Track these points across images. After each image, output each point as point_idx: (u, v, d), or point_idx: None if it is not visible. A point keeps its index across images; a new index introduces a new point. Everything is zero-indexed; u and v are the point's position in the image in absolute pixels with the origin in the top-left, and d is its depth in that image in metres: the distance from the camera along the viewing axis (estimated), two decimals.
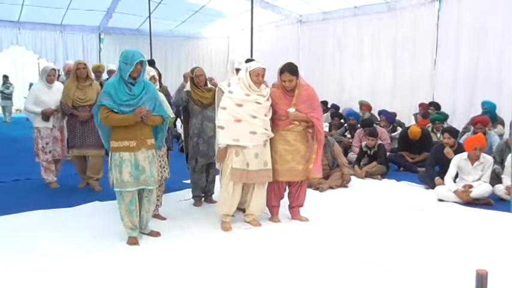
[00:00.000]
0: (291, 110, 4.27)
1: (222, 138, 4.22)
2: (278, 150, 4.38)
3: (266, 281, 3.20)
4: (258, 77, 4.24)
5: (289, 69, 4.27)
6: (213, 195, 5.32)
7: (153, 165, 3.94)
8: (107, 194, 5.57)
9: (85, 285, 3.15)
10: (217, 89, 4.80)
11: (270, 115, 4.31)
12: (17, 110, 18.35)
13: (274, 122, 4.38)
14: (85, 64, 5.86)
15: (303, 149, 4.42)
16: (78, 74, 5.70)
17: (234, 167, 4.22)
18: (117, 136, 3.81)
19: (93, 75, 6.18)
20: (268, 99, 4.30)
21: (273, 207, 4.61)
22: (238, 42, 15.72)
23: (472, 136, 6.09)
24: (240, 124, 4.18)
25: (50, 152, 5.94)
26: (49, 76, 5.96)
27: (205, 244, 3.94)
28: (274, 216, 4.61)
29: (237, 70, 4.62)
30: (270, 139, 4.35)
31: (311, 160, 4.41)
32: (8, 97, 15.75)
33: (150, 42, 11.13)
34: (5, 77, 15.79)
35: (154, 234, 4.16)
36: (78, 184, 6.04)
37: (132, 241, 3.93)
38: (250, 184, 4.39)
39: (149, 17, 11.13)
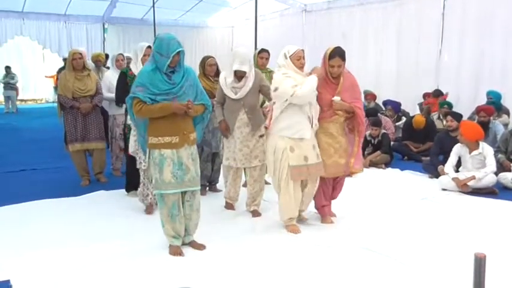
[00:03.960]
0: (337, 98, 3.92)
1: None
2: (321, 143, 4.01)
3: (269, 269, 3.23)
4: (300, 61, 3.87)
5: (340, 54, 3.88)
6: (217, 184, 5.34)
7: (196, 163, 3.51)
8: (112, 184, 5.63)
9: (91, 272, 3.19)
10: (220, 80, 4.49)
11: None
12: (22, 101, 18.44)
13: None
14: (81, 54, 5.59)
15: (344, 142, 4.08)
16: (74, 65, 5.47)
17: (291, 164, 3.82)
18: (157, 131, 3.35)
19: (91, 65, 5.99)
20: None
21: (323, 207, 4.24)
22: (243, 31, 15.66)
23: (468, 121, 6.09)
24: (298, 110, 3.83)
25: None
26: (117, 61, 5.88)
27: (208, 233, 3.89)
28: (326, 217, 4.23)
29: (236, 71, 4.19)
30: None
31: (353, 153, 4.11)
32: (12, 87, 15.81)
33: (154, 32, 11.13)
34: (8, 68, 15.83)
35: (197, 246, 3.60)
36: (81, 183, 5.69)
37: (175, 250, 3.47)
38: (304, 182, 4.02)
39: (153, 6, 11.13)
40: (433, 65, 9.78)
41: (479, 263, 1.38)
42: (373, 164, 6.75)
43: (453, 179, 5.36)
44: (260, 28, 8.43)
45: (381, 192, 5.33)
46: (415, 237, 3.86)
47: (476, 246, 3.48)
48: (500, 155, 5.92)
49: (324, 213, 4.24)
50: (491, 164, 5.33)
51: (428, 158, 6.53)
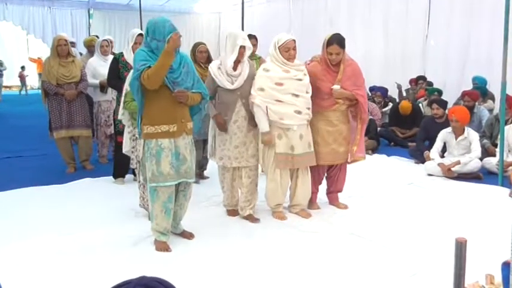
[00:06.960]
0: (336, 87, 3.90)
1: (264, 124, 3.76)
2: (320, 131, 4.00)
3: (255, 255, 3.25)
4: (289, 53, 3.77)
5: (338, 41, 3.86)
6: (205, 172, 5.33)
7: (193, 154, 3.38)
8: (98, 171, 5.60)
9: (76, 261, 3.18)
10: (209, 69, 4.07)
11: (310, 92, 3.89)
12: (6, 87, 18.15)
13: (315, 102, 3.94)
14: (66, 40, 5.50)
15: (345, 130, 4.07)
16: (59, 51, 5.39)
17: (277, 151, 3.81)
18: (153, 120, 3.17)
19: (74, 52, 5.79)
20: (305, 74, 3.87)
21: (311, 194, 4.19)
22: (230, 17, 15.53)
23: (458, 106, 6.13)
24: (282, 104, 3.77)
25: (111, 124, 5.69)
26: (101, 47, 5.83)
27: (195, 221, 3.86)
28: (313, 203, 4.24)
29: (241, 48, 3.76)
30: (312, 120, 3.96)
31: (355, 141, 4.09)
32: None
33: (140, 17, 10.96)
34: None
35: (187, 235, 3.56)
36: (66, 170, 5.63)
37: (162, 246, 3.33)
38: (293, 171, 4.00)
39: None
40: (420, 50, 9.80)
41: (460, 248, 1.40)
42: None
43: (439, 164, 5.42)
44: (247, 14, 8.37)
45: (367, 178, 5.36)
46: (401, 222, 3.90)
47: (460, 231, 3.53)
48: (485, 140, 5.98)
49: (312, 200, 4.24)
50: (476, 150, 5.38)
51: (414, 144, 6.59)
